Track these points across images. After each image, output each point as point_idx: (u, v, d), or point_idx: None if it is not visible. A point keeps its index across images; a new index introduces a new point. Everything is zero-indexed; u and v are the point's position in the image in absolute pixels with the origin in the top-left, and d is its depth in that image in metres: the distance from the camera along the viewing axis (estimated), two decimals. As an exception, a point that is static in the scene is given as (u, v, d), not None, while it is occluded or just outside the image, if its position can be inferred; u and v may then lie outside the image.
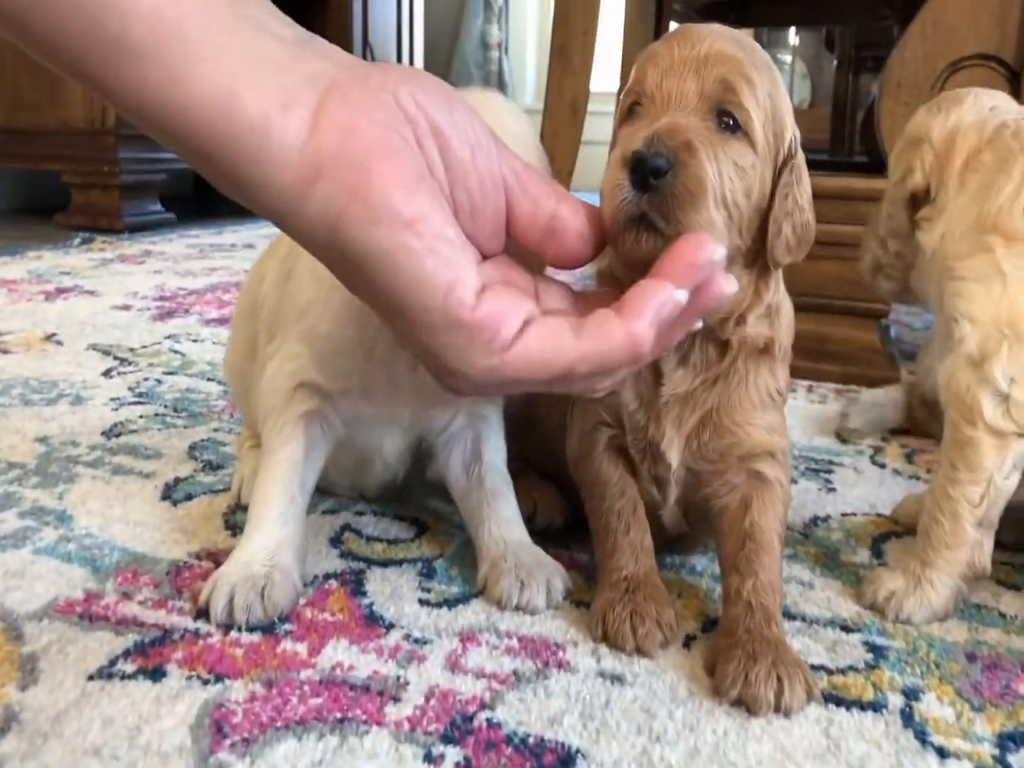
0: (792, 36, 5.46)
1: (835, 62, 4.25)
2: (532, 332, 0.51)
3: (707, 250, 0.53)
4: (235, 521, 0.81)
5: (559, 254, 0.56)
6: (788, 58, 5.50)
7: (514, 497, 0.77)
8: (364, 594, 0.71)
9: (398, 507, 0.87)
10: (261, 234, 2.88)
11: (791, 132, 0.67)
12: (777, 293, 0.71)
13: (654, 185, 0.59)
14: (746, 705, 0.59)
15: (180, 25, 0.44)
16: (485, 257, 0.55)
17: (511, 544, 0.74)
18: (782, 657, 0.61)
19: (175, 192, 3.16)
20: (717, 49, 0.64)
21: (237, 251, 2.50)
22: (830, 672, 0.64)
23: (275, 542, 0.68)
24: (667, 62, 0.64)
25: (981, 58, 1.46)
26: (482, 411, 0.77)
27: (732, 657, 0.61)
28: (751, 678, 0.60)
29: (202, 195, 3.87)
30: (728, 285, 0.54)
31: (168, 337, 1.50)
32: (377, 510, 0.86)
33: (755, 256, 0.68)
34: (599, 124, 2.92)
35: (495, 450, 0.78)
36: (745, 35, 0.68)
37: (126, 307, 1.70)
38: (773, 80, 0.66)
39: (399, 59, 4.35)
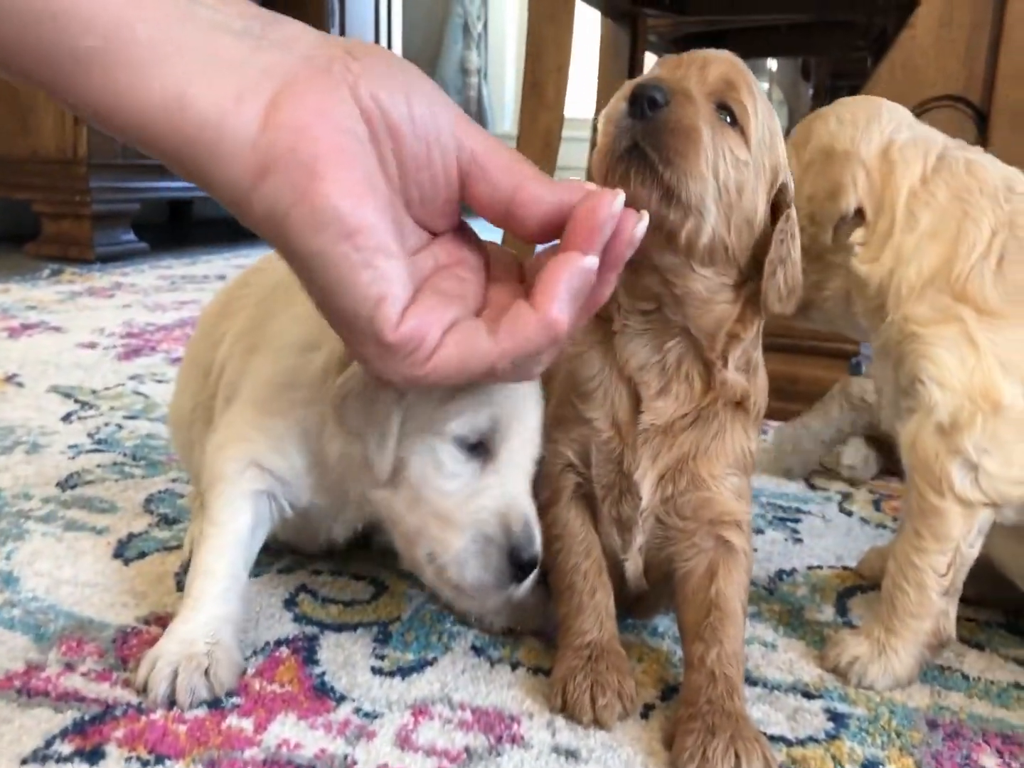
0: (770, 62, 5.50)
1: (811, 91, 4.29)
2: (450, 340, 0.53)
3: (607, 204, 0.54)
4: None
5: (518, 234, 0.57)
6: (765, 85, 5.54)
7: None
8: (316, 662, 0.69)
9: (356, 565, 0.85)
10: (234, 264, 2.86)
11: (785, 174, 0.68)
12: (757, 350, 0.71)
13: (650, 116, 0.60)
14: (703, 782, 0.58)
15: (132, 31, 0.45)
16: (437, 234, 0.57)
17: None
18: (741, 731, 0.60)
19: (149, 221, 3.14)
20: (724, 56, 0.66)
21: (209, 283, 2.48)
22: (790, 744, 0.63)
23: (218, 619, 0.66)
24: (675, 62, 0.66)
25: (949, 99, 1.47)
26: None
27: (691, 730, 0.60)
28: (709, 754, 0.59)
29: (176, 224, 3.85)
30: (641, 223, 0.55)
31: (132, 378, 1.47)
32: (334, 568, 0.84)
33: (743, 281, 0.68)
34: (574, 150, 2.94)
35: None
36: None
37: (92, 345, 1.68)
38: (773, 116, 0.67)
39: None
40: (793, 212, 0.68)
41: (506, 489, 0.66)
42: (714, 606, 0.67)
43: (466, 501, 0.65)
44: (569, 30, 1.95)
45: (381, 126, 0.50)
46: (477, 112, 5.63)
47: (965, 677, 0.73)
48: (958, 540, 0.69)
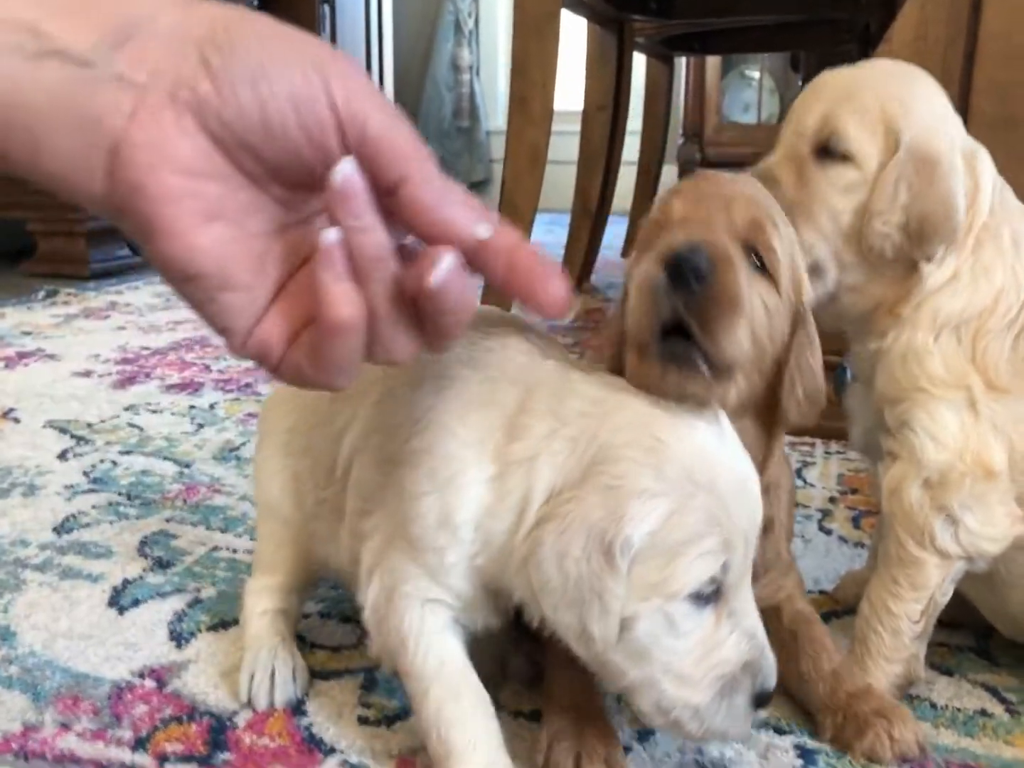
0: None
1: (800, 81, 4.30)
2: (295, 351, 0.52)
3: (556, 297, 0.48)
4: (180, 630, 0.82)
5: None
6: (756, 74, 5.54)
7: None
8: (304, 713, 0.71)
9: (344, 604, 0.88)
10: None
11: (806, 287, 0.67)
12: (780, 465, 0.73)
13: (694, 288, 0.56)
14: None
15: None
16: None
17: None
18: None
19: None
20: (747, 192, 0.64)
21: (204, 299, 2.50)
22: (760, 784, 0.65)
23: None
24: (695, 195, 0.64)
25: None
26: None
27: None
28: None
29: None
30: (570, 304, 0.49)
31: (127, 408, 1.50)
32: (323, 611, 0.87)
33: (765, 409, 0.67)
34: (564, 143, 2.95)
35: None
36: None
37: (87, 373, 1.70)
38: (791, 237, 0.66)
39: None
40: (810, 321, 0.67)
41: (744, 628, 0.60)
42: None
43: (705, 656, 0.58)
44: (554, 45, 1.97)
45: (232, 142, 0.49)
46: (469, 108, 5.63)
47: (933, 706, 0.75)
48: (933, 589, 0.72)
